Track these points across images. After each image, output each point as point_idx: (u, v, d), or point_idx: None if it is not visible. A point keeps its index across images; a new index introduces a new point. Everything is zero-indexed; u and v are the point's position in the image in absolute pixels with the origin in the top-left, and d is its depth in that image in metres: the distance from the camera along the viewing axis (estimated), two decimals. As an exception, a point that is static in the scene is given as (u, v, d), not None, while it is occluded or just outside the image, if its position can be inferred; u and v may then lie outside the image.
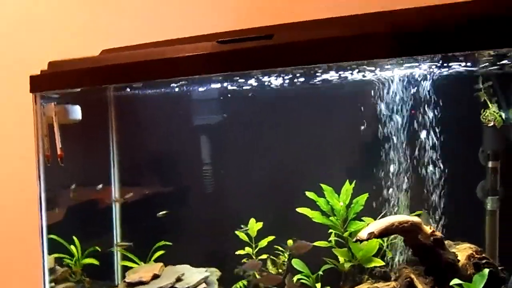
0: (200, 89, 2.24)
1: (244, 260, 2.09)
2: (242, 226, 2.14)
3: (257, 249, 2.12)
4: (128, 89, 2.23)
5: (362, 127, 1.97)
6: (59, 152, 2.00)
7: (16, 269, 2.68)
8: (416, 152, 1.90)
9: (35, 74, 1.92)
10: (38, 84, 1.93)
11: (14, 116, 2.61)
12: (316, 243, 1.96)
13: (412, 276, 1.73)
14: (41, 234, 1.97)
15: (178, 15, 2.35)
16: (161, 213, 2.30)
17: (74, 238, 2.35)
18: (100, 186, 2.39)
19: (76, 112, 2.09)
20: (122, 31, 2.41)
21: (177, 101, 2.32)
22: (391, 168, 1.94)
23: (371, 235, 1.49)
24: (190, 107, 2.37)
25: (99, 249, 2.36)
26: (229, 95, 2.20)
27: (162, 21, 2.36)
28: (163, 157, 2.47)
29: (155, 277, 2.03)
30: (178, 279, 2.01)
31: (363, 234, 1.48)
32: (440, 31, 1.25)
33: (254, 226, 2.14)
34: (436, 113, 1.86)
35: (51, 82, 1.92)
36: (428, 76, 1.84)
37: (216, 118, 2.31)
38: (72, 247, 2.34)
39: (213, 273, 2.13)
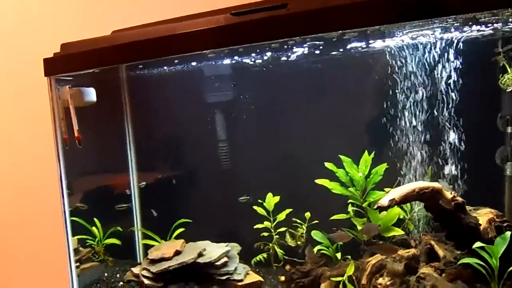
0: (216, 65, 2.23)
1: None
2: (242, 198, 2.21)
3: (275, 222, 2.15)
4: (142, 69, 2.23)
5: (379, 96, 1.95)
6: (76, 134, 2.02)
7: (42, 253, 2.75)
8: (435, 120, 1.89)
9: (49, 57, 1.93)
10: (52, 67, 1.93)
11: (30, 101, 2.63)
12: (335, 216, 1.97)
13: (432, 242, 1.75)
14: (64, 216, 2.01)
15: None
16: (120, 205, 2.36)
17: (95, 220, 2.40)
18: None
19: (91, 94, 2.10)
20: (131, 11, 2.39)
21: (192, 78, 2.32)
22: (410, 137, 1.93)
23: (392, 202, 1.49)
24: (205, 84, 2.36)
25: (121, 229, 2.41)
26: (247, 70, 2.19)
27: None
28: (179, 135, 2.49)
29: (177, 253, 2.06)
30: (200, 254, 2.04)
31: (384, 201, 1.48)
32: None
33: (271, 200, 2.16)
34: (455, 78, 1.83)
35: (65, 64, 1.92)
36: (446, 41, 1.81)
37: (232, 93, 2.30)
38: (94, 228, 2.39)
39: (234, 248, 2.15)
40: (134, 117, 2.42)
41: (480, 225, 1.58)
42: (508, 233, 1.51)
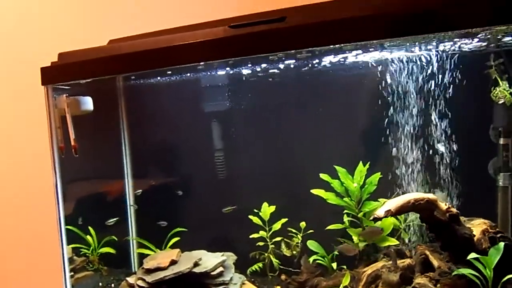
0: (211, 75, 2.25)
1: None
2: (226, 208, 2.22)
3: (270, 232, 2.16)
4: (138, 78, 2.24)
5: (373, 108, 1.98)
6: (72, 143, 2.02)
7: (36, 261, 2.73)
8: (428, 131, 1.92)
9: (46, 66, 1.93)
10: (50, 76, 1.93)
11: (26, 109, 2.62)
12: (331, 226, 1.99)
13: (427, 252, 1.76)
14: (59, 225, 2.00)
15: (185, 3, 2.34)
16: (109, 221, 2.36)
17: (90, 228, 2.38)
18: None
19: (88, 103, 2.10)
20: (128, 20, 2.41)
21: (188, 88, 2.33)
22: (403, 148, 1.95)
23: (388, 213, 1.51)
24: (201, 94, 2.38)
25: (116, 239, 2.40)
26: (242, 80, 2.20)
27: (168, 10, 2.35)
28: (175, 144, 2.49)
29: (173, 262, 2.05)
30: (196, 264, 2.03)
31: (380, 212, 1.50)
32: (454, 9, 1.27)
33: (267, 209, 2.16)
34: (448, 91, 1.87)
35: (62, 73, 1.92)
36: (440, 55, 1.85)
37: (227, 103, 2.32)
38: (88, 237, 2.38)
39: (229, 257, 2.15)
40: (130, 126, 2.43)
41: (474, 236, 1.60)
42: (501, 244, 1.53)
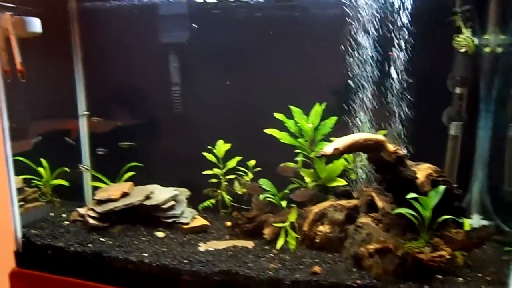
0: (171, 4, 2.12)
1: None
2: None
3: (225, 169, 2.15)
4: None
5: (331, 49, 1.92)
6: (19, 67, 1.90)
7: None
8: (384, 76, 1.89)
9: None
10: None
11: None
12: (283, 164, 1.99)
13: (373, 194, 1.81)
14: (6, 153, 1.92)
15: None
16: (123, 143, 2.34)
17: (43, 160, 2.32)
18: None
19: (35, 25, 1.95)
20: None
21: (145, 16, 2.20)
22: (359, 91, 1.93)
23: (336, 151, 1.51)
24: (158, 24, 2.25)
25: (68, 170, 2.34)
26: (203, 11, 2.09)
27: None
28: (131, 76, 2.38)
29: (125, 195, 2.04)
30: (147, 197, 2.03)
31: (328, 149, 1.50)
32: None
33: (222, 147, 2.14)
34: (408, 36, 1.83)
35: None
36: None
37: (186, 35, 2.20)
38: (41, 169, 2.31)
39: (183, 193, 2.16)
40: (85, 55, 2.30)
41: (418, 178, 1.63)
42: (441, 187, 1.58)
